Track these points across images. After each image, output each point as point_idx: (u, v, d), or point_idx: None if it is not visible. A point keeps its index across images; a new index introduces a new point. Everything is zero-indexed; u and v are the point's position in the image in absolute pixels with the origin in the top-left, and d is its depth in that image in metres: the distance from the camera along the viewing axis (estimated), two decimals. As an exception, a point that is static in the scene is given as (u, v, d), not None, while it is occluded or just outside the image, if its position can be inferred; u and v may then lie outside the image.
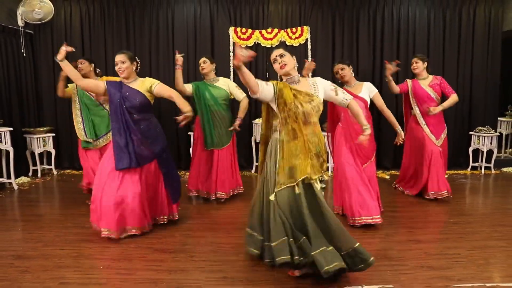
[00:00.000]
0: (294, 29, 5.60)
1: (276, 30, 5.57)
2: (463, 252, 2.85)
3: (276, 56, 2.46)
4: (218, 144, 4.05)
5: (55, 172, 5.57)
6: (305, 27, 5.60)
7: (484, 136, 5.49)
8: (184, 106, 2.96)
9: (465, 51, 5.69)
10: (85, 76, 3.75)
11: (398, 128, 3.51)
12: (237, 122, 4.09)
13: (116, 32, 5.61)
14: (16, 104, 5.28)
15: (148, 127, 3.13)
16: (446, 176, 4.43)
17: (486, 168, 5.65)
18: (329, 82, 2.54)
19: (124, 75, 3.06)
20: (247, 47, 5.50)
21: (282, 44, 5.54)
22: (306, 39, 5.61)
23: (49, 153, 5.59)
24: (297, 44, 5.59)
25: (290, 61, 2.45)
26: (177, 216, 3.46)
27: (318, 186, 2.39)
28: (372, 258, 2.30)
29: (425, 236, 3.21)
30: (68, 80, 3.64)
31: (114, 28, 5.60)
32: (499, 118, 6.05)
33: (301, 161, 2.35)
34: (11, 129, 4.73)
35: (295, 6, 5.64)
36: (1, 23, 5.05)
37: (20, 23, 5.28)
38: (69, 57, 3.13)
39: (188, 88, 4.01)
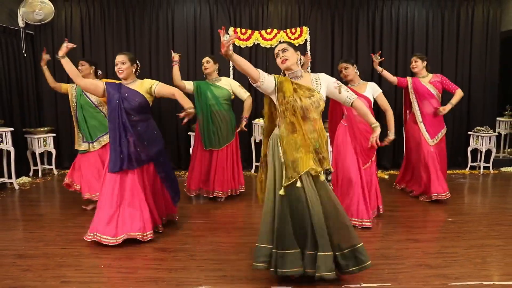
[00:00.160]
0: (293, 30, 5.62)
1: (275, 30, 5.60)
2: (460, 251, 2.87)
3: (279, 50, 2.44)
4: (217, 144, 4.05)
5: (55, 172, 5.59)
6: (304, 28, 5.62)
7: (483, 136, 5.51)
8: (186, 103, 2.93)
9: (463, 51, 5.72)
10: (84, 78, 3.75)
11: (391, 131, 3.42)
12: (244, 122, 4.11)
13: (116, 32, 5.63)
14: (17, 105, 5.30)
15: (145, 129, 3.09)
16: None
17: (484, 168, 5.67)
18: (333, 79, 2.50)
19: (123, 75, 3.05)
20: (247, 47, 5.65)
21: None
22: (306, 40, 5.63)
23: (49, 153, 5.62)
24: (297, 45, 5.59)
25: (292, 56, 2.42)
26: (177, 216, 3.48)
27: (322, 178, 2.36)
28: (369, 262, 2.32)
29: (423, 235, 3.23)
30: (68, 80, 3.64)
31: (114, 29, 5.62)
32: (497, 118, 6.08)
33: (302, 154, 2.33)
34: (12, 129, 4.76)
35: (294, 6, 5.66)
36: (2, 23, 5.07)
37: (21, 23, 5.29)
38: (69, 57, 3.14)
39: (189, 85, 4.00)
